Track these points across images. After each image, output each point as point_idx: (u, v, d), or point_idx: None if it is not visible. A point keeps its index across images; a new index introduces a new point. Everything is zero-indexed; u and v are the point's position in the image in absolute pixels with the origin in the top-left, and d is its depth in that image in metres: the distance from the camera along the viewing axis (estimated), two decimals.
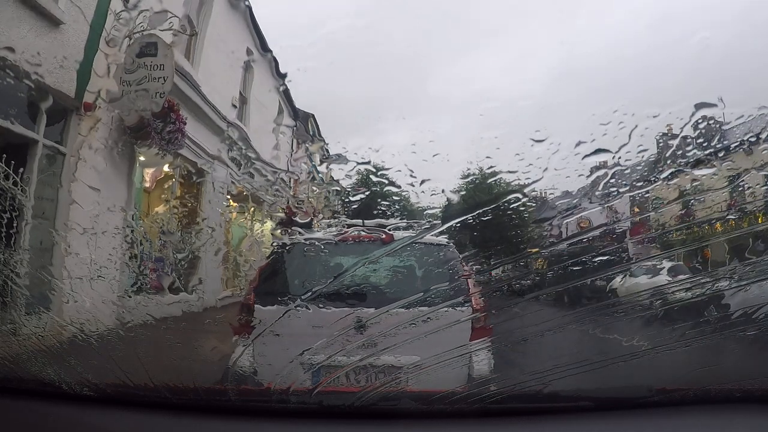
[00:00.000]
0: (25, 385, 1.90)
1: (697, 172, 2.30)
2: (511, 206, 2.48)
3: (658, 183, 2.28)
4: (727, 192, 2.19)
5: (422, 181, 2.78)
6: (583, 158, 2.24)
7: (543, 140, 2.43)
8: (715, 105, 2.05)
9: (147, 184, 8.46)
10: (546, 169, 2.32)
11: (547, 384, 1.77)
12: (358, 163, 2.93)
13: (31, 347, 2.19)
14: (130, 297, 3.29)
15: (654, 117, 2.17)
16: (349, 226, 3.47)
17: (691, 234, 2.56)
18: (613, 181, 2.25)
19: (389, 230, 3.21)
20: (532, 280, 2.57)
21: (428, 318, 2.29)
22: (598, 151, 2.16)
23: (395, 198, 3.49)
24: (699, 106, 2.04)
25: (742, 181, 2.20)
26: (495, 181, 2.97)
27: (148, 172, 8.38)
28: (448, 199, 2.82)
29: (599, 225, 2.29)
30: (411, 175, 2.81)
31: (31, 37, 5.60)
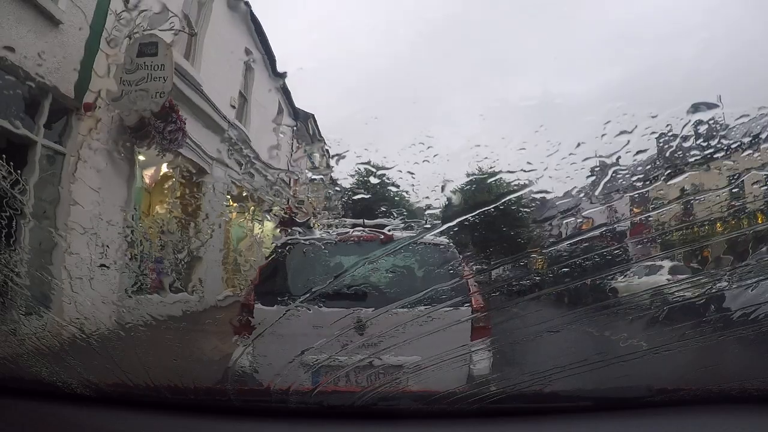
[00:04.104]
0: (25, 385, 1.91)
1: (697, 172, 2.29)
2: (511, 206, 2.48)
3: (658, 183, 2.27)
4: (727, 192, 2.19)
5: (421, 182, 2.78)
6: (583, 159, 2.24)
7: (543, 140, 2.43)
8: (714, 105, 2.05)
9: (147, 184, 8.46)
10: (546, 169, 2.33)
11: (547, 384, 1.78)
12: (358, 164, 2.93)
13: (31, 347, 2.19)
14: (130, 297, 3.29)
15: (654, 117, 2.17)
16: (350, 226, 3.47)
17: (691, 234, 2.55)
18: (613, 181, 2.25)
19: (389, 230, 3.20)
20: (532, 280, 2.57)
21: (428, 318, 2.29)
22: (598, 151, 2.16)
23: (395, 198, 3.48)
24: (698, 107, 2.04)
25: (742, 181, 2.20)
26: (495, 181, 2.96)
27: (148, 172, 8.37)
28: (448, 199, 2.81)
29: (599, 225, 2.29)
30: (411, 175, 2.81)
31: (31, 37, 5.60)
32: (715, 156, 2.26)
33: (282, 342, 2.45)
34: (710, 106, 2.09)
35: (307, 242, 3.42)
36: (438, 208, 2.91)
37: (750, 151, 2.18)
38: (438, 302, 2.38)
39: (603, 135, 2.23)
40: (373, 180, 2.90)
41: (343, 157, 2.94)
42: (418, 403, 1.82)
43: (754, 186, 2.24)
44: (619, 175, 2.27)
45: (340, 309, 2.74)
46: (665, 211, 2.35)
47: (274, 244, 3.76)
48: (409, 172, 2.80)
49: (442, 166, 2.79)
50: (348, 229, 3.41)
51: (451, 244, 3.35)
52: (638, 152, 2.18)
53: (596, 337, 2.23)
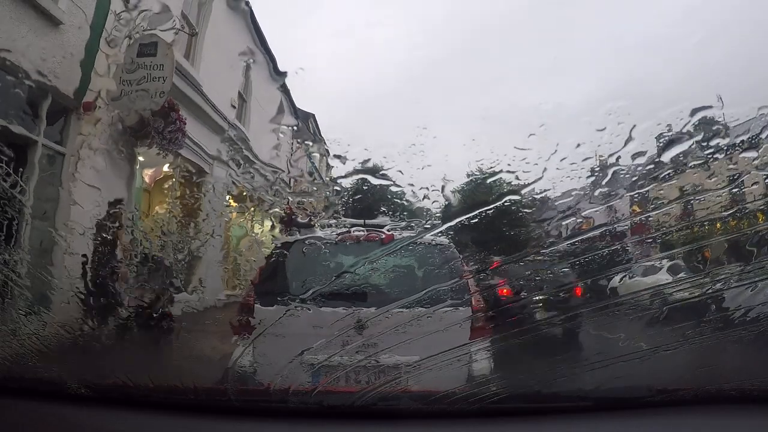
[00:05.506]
0: (25, 385, 1.91)
1: (697, 172, 2.29)
2: (512, 206, 2.48)
3: (658, 183, 2.27)
4: (727, 192, 2.19)
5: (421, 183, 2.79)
6: (583, 159, 2.24)
7: (543, 141, 2.43)
8: (714, 105, 2.05)
9: (147, 184, 8.46)
10: (546, 169, 2.33)
11: (547, 384, 1.78)
12: (358, 164, 2.93)
13: (31, 347, 2.19)
14: (129, 297, 3.29)
15: (654, 117, 2.17)
16: (350, 226, 3.47)
17: (691, 234, 2.56)
18: (613, 181, 2.26)
19: (389, 230, 3.20)
20: (532, 280, 2.57)
21: (428, 318, 2.29)
22: (597, 151, 2.16)
23: (395, 198, 3.48)
24: (698, 107, 2.04)
25: (742, 181, 2.20)
26: (495, 181, 2.97)
27: (148, 172, 8.37)
28: (447, 199, 2.81)
29: (599, 225, 2.29)
30: (411, 176, 2.81)
31: (31, 37, 5.60)
32: (715, 156, 2.26)
33: (282, 342, 2.45)
34: (710, 106, 2.09)
35: (307, 242, 3.42)
36: (438, 208, 2.91)
37: (750, 151, 2.18)
38: (438, 302, 2.37)
39: (603, 135, 2.24)
40: (373, 180, 2.89)
41: (343, 157, 2.93)
42: (418, 403, 1.82)
43: (754, 186, 2.24)
44: (619, 175, 2.27)
45: (340, 309, 2.74)
46: (665, 211, 2.35)
47: (274, 244, 3.76)
48: (405, 172, 2.80)
49: (442, 166, 2.79)
50: (348, 229, 3.41)
51: (451, 244, 3.35)
52: (638, 152, 2.18)
53: (596, 337, 2.23)
